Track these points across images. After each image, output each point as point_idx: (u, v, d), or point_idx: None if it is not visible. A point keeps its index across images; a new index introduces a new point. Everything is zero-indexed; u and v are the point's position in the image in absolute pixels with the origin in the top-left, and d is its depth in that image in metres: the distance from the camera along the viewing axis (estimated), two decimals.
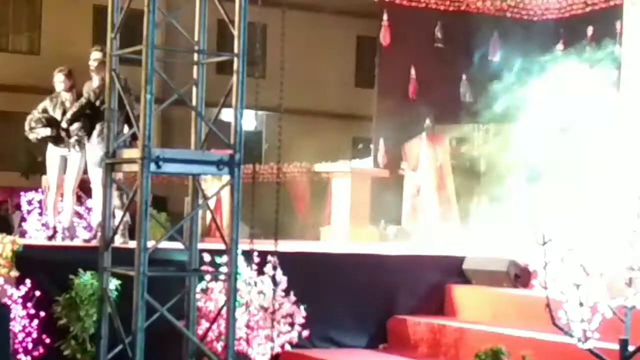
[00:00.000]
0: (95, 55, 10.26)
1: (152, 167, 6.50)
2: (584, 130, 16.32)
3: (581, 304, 6.54)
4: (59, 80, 10.49)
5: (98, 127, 9.85)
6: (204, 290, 8.41)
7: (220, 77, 7.02)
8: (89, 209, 11.31)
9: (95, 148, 9.87)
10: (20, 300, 8.46)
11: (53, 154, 10.56)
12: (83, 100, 10.08)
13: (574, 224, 6.62)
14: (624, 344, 6.50)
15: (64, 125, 10.18)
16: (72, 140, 10.28)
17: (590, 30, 16.30)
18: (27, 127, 10.41)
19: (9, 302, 8.40)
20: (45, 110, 10.41)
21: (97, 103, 9.81)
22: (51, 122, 10.33)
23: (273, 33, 30.29)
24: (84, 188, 11.15)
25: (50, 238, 10.40)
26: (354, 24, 27.49)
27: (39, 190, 11.85)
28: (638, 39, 14.78)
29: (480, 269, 10.57)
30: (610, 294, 6.52)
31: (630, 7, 15.26)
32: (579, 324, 6.54)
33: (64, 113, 10.29)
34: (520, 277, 10.12)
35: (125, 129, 9.39)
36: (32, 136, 10.46)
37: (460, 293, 10.46)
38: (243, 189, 6.87)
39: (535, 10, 17.80)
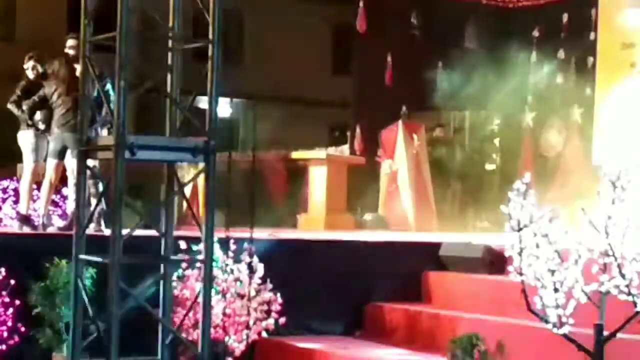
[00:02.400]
0: (71, 42, 10.22)
1: (127, 154, 6.46)
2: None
3: (556, 290, 6.56)
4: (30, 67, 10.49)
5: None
6: (180, 278, 8.39)
7: (197, 65, 6.99)
8: (64, 197, 11.27)
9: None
10: None
11: (24, 139, 10.52)
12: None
13: (549, 209, 6.64)
14: (598, 329, 6.53)
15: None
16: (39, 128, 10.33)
17: (565, 17, 16.35)
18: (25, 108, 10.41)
19: None
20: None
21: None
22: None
23: (249, 20, 30.34)
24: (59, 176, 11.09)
25: (21, 226, 10.35)
26: (330, 10, 27.47)
27: (14, 178, 11.81)
28: (613, 26, 14.87)
29: (456, 256, 10.60)
30: (585, 279, 6.55)
31: None
32: (554, 310, 6.57)
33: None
34: (496, 263, 10.14)
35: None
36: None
37: (436, 280, 10.49)
38: (219, 177, 6.86)
39: None
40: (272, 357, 9.26)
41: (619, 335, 6.50)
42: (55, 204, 11.71)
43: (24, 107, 10.46)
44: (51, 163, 10.37)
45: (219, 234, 7.83)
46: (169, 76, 7.16)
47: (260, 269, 8.56)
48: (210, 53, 6.79)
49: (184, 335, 7.62)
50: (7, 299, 8.43)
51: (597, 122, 14.21)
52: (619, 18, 14.78)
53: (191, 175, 11.07)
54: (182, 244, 8.30)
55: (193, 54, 7.37)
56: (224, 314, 8.35)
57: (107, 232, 8.13)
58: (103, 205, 9.40)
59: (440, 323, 9.36)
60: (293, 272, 9.53)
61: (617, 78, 13.52)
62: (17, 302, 8.44)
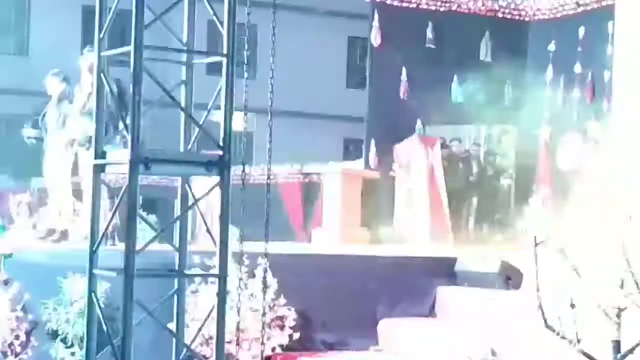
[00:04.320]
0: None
1: (141, 168, 6.43)
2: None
3: (573, 306, 6.51)
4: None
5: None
6: (194, 293, 8.36)
7: (210, 78, 6.97)
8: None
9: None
10: (9, 303, 8.40)
11: (52, 154, 10.52)
12: None
13: (567, 226, 6.59)
14: (615, 345, 6.47)
15: None
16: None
17: (582, 30, 16.29)
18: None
19: None
20: None
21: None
22: None
23: (263, 34, 30.27)
24: (74, 190, 11.11)
25: (46, 238, 10.33)
26: (344, 24, 27.47)
27: (27, 192, 11.83)
28: (630, 39, 14.79)
29: (471, 271, 10.54)
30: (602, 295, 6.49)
31: (622, 8, 15.28)
32: (571, 326, 6.51)
33: None
34: (512, 278, 10.08)
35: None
36: None
37: (451, 294, 10.43)
38: (233, 191, 6.82)
39: (526, 11, 17.79)
40: None
41: (637, 352, 6.44)
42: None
43: None
44: None
45: (233, 248, 7.79)
46: (183, 90, 7.13)
47: (274, 284, 8.52)
48: (224, 67, 6.76)
49: (198, 350, 7.57)
50: (20, 314, 8.42)
51: (614, 136, 14.11)
52: (637, 31, 14.69)
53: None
54: (196, 259, 8.28)
55: (206, 67, 7.35)
56: (238, 329, 8.32)
57: (122, 247, 8.11)
58: (117, 220, 9.39)
59: (456, 338, 9.30)
60: (307, 287, 9.48)
61: (634, 92, 13.42)
62: (31, 316, 8.43)
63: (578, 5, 17.39)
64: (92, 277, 7.02)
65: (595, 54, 15.24)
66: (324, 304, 9.76)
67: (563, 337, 6.55)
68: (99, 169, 7.05)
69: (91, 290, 7.00)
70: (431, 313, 10.39)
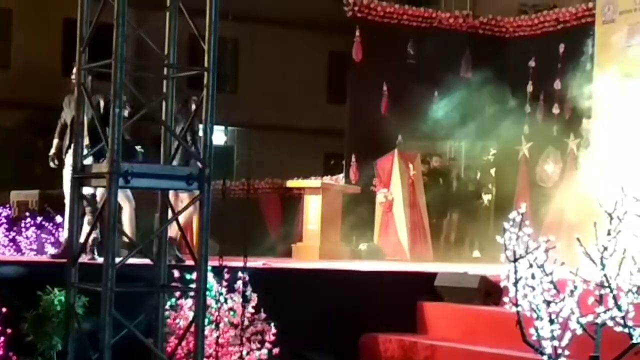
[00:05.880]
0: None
1: (121, 181, 6.42)
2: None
3: (552, 321, 6.52)
4: None
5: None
6: (173, 307, 8.33)
7: (192, 92, 6.97)
8: (57, 225, 11.22)
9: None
10: None
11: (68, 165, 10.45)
12: None
13: (545, 240, 6.61)
14: None
15: None
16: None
17: (562, 47, 16.38)
18: None
19: None
20: None
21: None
22: None
23: (244, 48, 30.40)
24: (53, 203, 11.07)
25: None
26: (326, 39, 27.51)
27: (6, 205, 11.76)
28: (609, 56, 14.89)
29: (451, 286, 10.55)
30: (581, 311, 6.51)
31: (601, 26, 15.39)
32: (550, 341, 6.53)
33: None
34: (491, 293, 10.10)
35: None
36: None
37: (431, 310, 10.44)
38: (213, 205, 6.82)
39: (507, 27, 17.88)
40: None
41: None
42: (48, 232, 11.68)
43: None
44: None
45: (212, 262, 7.78)
46: (164, 104, 7.14)
47: (254, 298, 8.51)
48: (205, 81, 6.76)
49: None
50: None
51: (593, 152, 14.19)
52: (616, 49, 14.81)
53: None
54: (176, 273, 8.26)
55: (188, 81, 7.36)
56: (217, 343, 8.29)
57: (100, 260, 8.08)
58: (97, 234, 9.36)
59: (435, 354, 9.30)
60: (287, 302, 9.46)
61: (613, 108, 13.51)
62: (9, 330, 8.37)
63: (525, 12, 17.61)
64: (70, 291, 7.00)
65: (575, 71, 15.32)
66: (304, 319, 9.74)
67: (542, 353, 6.57)
68: (78, 182, 7.05)
69: (70, 303, 6.98)
70: (412, 328, 10.38)
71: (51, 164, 10.47)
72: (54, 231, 11.68)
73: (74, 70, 10.19)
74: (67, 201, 10.26)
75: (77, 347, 6.97)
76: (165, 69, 7.18)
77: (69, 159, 10.18)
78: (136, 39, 7.15)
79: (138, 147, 10.95)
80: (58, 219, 11.25)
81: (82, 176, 6.99)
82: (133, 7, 6.74)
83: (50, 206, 11.99)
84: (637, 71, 13.06)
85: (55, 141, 10.40)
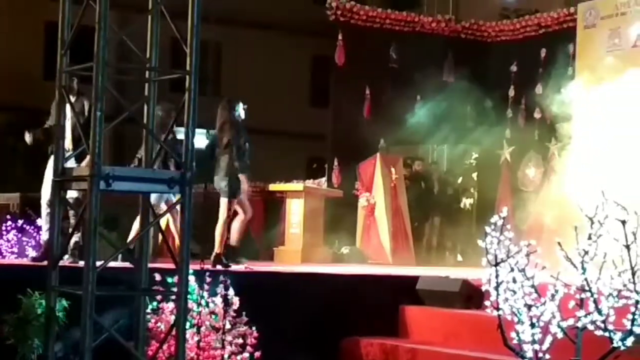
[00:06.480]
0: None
1: (102, 184, 6.40)
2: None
3: (533, 325, 6.54)
4: None
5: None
6: (155, 311, 8.31)
7: (174, 96, 6.95)
8: (38, 228, 11.18)
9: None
10: None
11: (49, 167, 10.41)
12: None
13: (526, 244, 6.63)
14: None
15: None
16: None
17: (543, 52, 16.45)
18: None
19: None
20: None
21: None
22: None
23: (227, 51, 30.36)
24: (34, 206, 11.03)
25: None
26: (309, 43, 27.53)
27: None
28: (590, 61, 14.97)
29: (433, 290, 10.56)
30: (562, 314, 6.53)
31: (582, 31, 15.47)
32: (531, 345, 6.55)
33: None
34: (473, 297, 10.11)
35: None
36: None
37: (413, 313, 10.44)
38: (196, 208, 6.80)
39: (489, 32, 17.94)
40: None
41: None
42: (29, 235, 11.64)
43: None
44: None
45: (194, 266, 7.76)
46: (145, 107, 7.11)
47: (235, 302, 8.49)
48: (187, 84, 6.75)
49: None
50: None
51: (573, 156, 14.25)
52: (597, 54, 14.89)
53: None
54: (157, 276, 8.23)
55: (170, 84, 7.35)
56: (199, 347, 8.27)
57: (81, 263, 8.05)
58: (79, 237, 9.33)
59: (417, 357, 9.30)
60: (269, 306, 9.45)
61: (594, 113, 13.59)
62: None
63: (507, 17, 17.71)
64: (51, 294, 6.97)
65: (556, 75, 15.39)
66: (286, 322, 9.73)
67: (523, 357, 6.59)
68: (58, 185, 7.02)
69: (50, 307, 6.95)
70: (393, 332, 10.39)
71: (26, 135, 10.40)
72: (35, 234, 11.64)
73: None
74: (43, 202, 10.23)
75: (58, 350, 6.94)
76: (147, 72, 7.15)
77: (51, 162, 10.15)
78: (118, 42, 7.12)
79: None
80: (39, 221, 11.21)
81: (63, 179, 6.96)
82: (115, 10, 6.71)
83: (31, 209, 11.94)
84: (617, 76, 13.13)
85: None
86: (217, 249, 11.36)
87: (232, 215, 11.63)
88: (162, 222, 10.99)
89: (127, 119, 6.93)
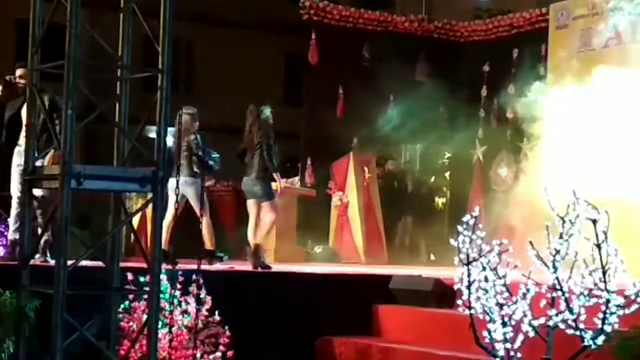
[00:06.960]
0: (20, 72, 10.09)
1: (73, 183, 6.37)
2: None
3: (504, 324, 6.56)
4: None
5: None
6: (127, 310, 8.27)
7: (147, 94, 6.92)
8: (8, 227, 11.09)
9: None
10: None
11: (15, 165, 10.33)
12: None
13: (498, 243, 6.65)
14: None
15: None
16: None
17: (516, 52, 16.51)
18: None
19: None
20: None
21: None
22: None
23: (200, 49, 30.24)
24: (3, 205, 10.95)
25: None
26: (282, 41, 27.50)
27: None
28: (562, 61, 15.05)
29: (406, 289, 10.57)
30: (533, 313, 6.56)
31: (554, 31, 15.55)
32: (503, 344, 6.57)
33: None
34: (445, 296, 10.13)
35: None
36: None
37: (386, 313, 10.46)
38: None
39: (462, 32, 17.99)
40: None
41: None
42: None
43: None
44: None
45: (166, 265, 7.74)
46: (117, 105, 7.08)
47: (208, 301, 8.47)
48: (159, 82, 6.73)
49: None
50: None
51: (544, 156, 14.31)
52: (568, 54, 14.97)
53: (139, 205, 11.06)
54: (130, 275, 8.20)
55: (143, 83, 7.32)
56: (171, 346, 8.24)
57: (52, 262, 8.00)
58: (49, 236, 9.26)
59: (391, 356, 9.32)
60: (242, 305, 9.43)
61: (565, 112, 13.65)
62: None
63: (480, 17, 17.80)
64: (22, 293, 6.93)
65: (528, 75, 15.45)
66: (259, 322, 9.71)
67: (495, 355, 6.61)
68: (28, 184, 6.98)
69: (21, 306, 6.91)
70: (367, 331, 10.39)
71: None
72: (5, 232, 11.55)
73: (17, 72, 10.17)
74: (13, 201, 10.15)
75: (29, 350, 6.90)
76: (119, 71, 7.12)
77: (16, 159, 10.08)
78: (90, 40, 7.08)
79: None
80: (10, 220, 11.13)
81: (32, 177, 6.92)
82: (87, 8, 6.68)
83: (1, 208, 11.85)
84: (588, 76, 13.20)
85: None
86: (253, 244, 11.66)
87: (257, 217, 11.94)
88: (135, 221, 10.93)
89: (100, 118, 6.89)
